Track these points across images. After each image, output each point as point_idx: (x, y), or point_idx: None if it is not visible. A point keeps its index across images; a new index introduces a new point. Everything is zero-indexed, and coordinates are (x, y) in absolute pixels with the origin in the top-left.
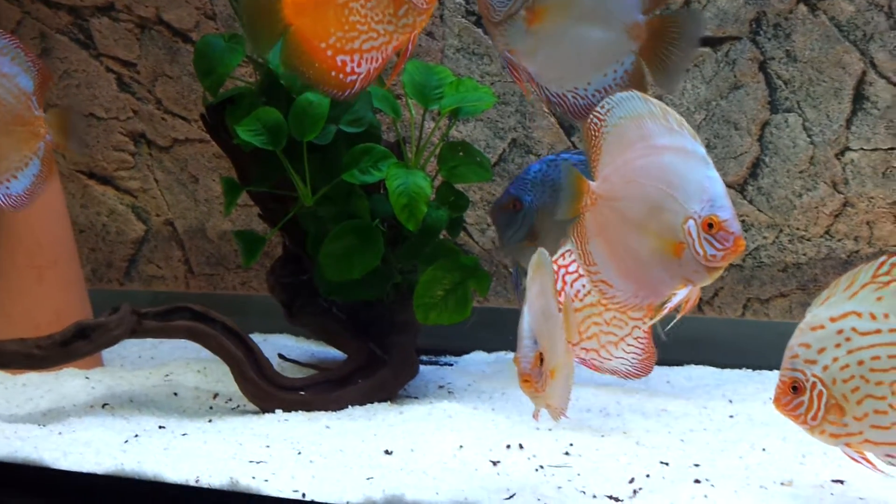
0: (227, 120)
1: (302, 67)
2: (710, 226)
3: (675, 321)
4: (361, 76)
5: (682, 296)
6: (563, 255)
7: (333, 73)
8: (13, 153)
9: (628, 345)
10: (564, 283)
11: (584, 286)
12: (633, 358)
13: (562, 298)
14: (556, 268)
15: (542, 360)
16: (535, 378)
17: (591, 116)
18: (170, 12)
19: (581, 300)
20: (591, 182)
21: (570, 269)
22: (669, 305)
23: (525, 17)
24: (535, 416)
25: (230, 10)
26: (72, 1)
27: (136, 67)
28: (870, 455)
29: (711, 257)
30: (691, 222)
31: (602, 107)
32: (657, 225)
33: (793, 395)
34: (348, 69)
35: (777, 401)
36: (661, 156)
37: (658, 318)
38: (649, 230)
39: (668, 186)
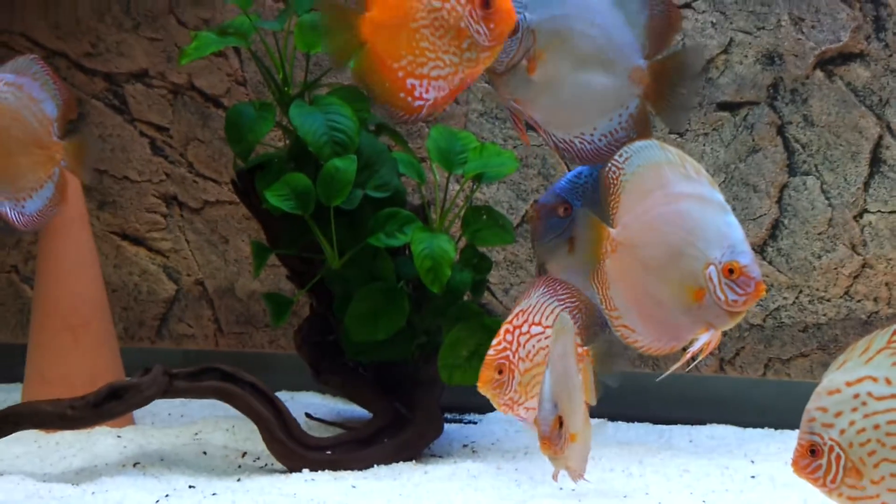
0: (256, 185)
1: (373, 85)
2: (731, 271)
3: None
4: (429, 103)
5: (704, 340)
6: (516, 315)
7: (402, 95)
8: (30, 174)
9: None
10: (519, 344)
11: (533, 347)
12: None
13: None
14: (509, 328)
15: (561, 423)
16: (554, 441)
17: (610, 165)
18: (201, 79)
19: (531, 360)
20: (610, 229)
21: (523, 329)
22: (692, 350)
23: (527, 67)
24: (555, 477)
25: (260, 77)
26: (107, 68)
27: (168, 132)
28: None
29: (733, 302)
30: (712, 268)
31: (620, 155)
32: (678, 271)
33: (811, 459)
34: (416, 93)
35: (796, 464)
36: (680, 203)
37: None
38: (670, 276)
39: (688, 233)
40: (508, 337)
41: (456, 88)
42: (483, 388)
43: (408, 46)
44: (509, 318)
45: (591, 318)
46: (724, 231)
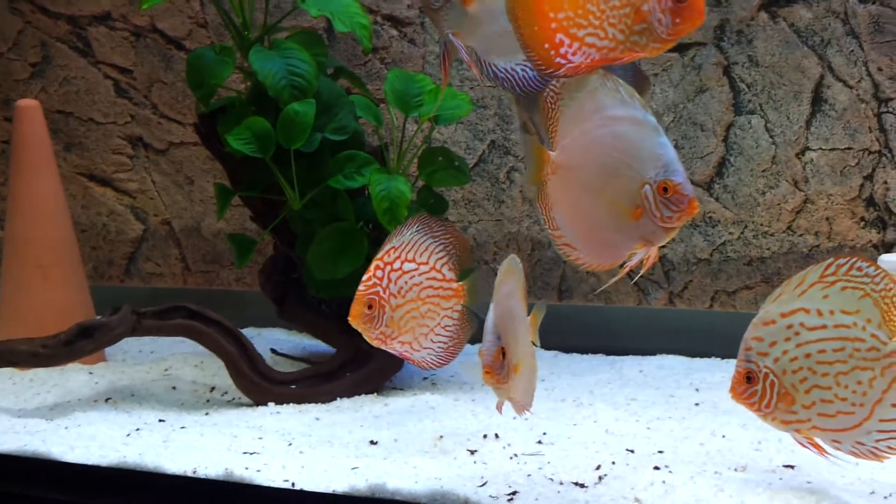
0: (218, 129)
1: (520, 24)
2: (665, 190)
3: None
4: (571, 65)
5: (641, 255)
6: (387, 252)
7: (546, 46)
8: None
9: (437, 334)
10: (390, 280)
11: (406, 283)
12: (440, 347)
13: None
14: (380, 264)
15: (504, 355)
16: (496, 371)
17: (548, 90)
18: (163, 21)
19: (403, 296)
20: (550, 152)
21: (395, 265)
22: (630, 264)
23: (462, 0)
24: (499, 408)
25: (220, 20)
26: (71, 11)
27: (132, 74)
28: (818, 440)
29: (668, 219)
30: (647, 187)
31: (557, 81)
32: (615, 191)
33: (747, 385)
34: (562, 51)
35: (733, 390)
36: (616, 126)
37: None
38: (607, 196)
39: (624, 154)
40: (379, 273)
41: (604, 61)
42: (353, 322)
43: (571, 2)
44: (380, 255)
45: (464, 254)
46: (657, 152)
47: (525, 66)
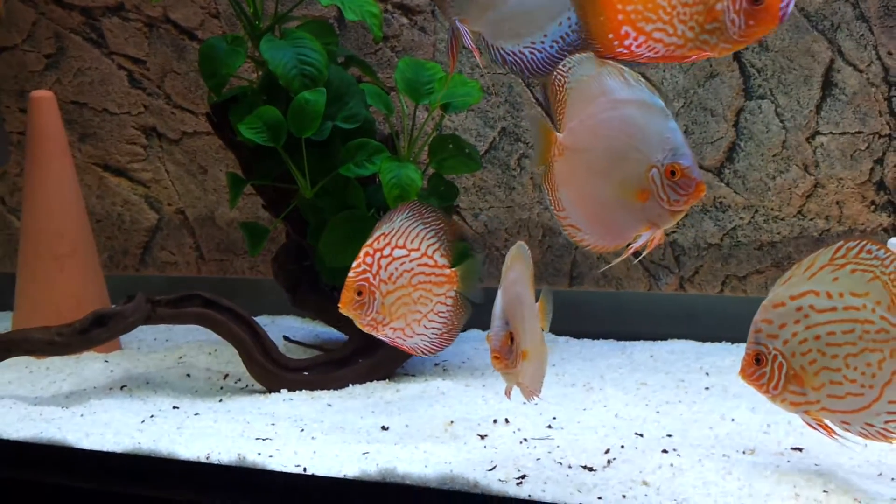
0: (230, 118)
1: (587, 12)
2: (673, 173)
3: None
4: (632, 55)
5: (647, 237)
6: (377, 238)
7: (610, 37)
8: None
9: (430, 321)
10: (380, 266)
11: (396, 269)
12: (433, 333)
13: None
14: (370, 250)
15: (512, 340)
16: (504, 356)
17: (555, 73)
18: (176, 11)
19: (394, 283)
20: (558, 134)
21: (385, 252)
22: (635, 246)
23: None
24: (507, 393)
25: (232, 10)
26: (84, 2)
27: (145, 64)
28: (827, 421)
29: (675, 202)
30: (655, 171)
31: (564, 65)
32: (622, 174)
33: (756, 367)
34: (626, 43)
35: (742, 371)
36: (623, 108)
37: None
38: (614, 178)
39: (631, 138)
40: (368, 259)
41: (669, 57)
42: (344, 309)
43: None
44: (369, 241)
45: (456, 240)
46: (665, 135)
47: (533, 49)
